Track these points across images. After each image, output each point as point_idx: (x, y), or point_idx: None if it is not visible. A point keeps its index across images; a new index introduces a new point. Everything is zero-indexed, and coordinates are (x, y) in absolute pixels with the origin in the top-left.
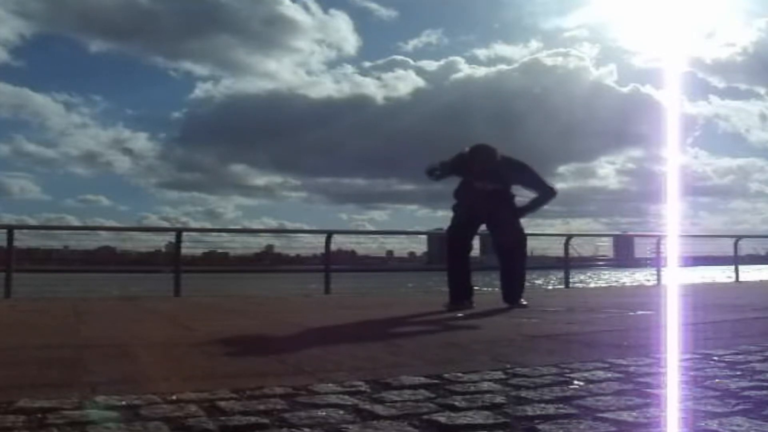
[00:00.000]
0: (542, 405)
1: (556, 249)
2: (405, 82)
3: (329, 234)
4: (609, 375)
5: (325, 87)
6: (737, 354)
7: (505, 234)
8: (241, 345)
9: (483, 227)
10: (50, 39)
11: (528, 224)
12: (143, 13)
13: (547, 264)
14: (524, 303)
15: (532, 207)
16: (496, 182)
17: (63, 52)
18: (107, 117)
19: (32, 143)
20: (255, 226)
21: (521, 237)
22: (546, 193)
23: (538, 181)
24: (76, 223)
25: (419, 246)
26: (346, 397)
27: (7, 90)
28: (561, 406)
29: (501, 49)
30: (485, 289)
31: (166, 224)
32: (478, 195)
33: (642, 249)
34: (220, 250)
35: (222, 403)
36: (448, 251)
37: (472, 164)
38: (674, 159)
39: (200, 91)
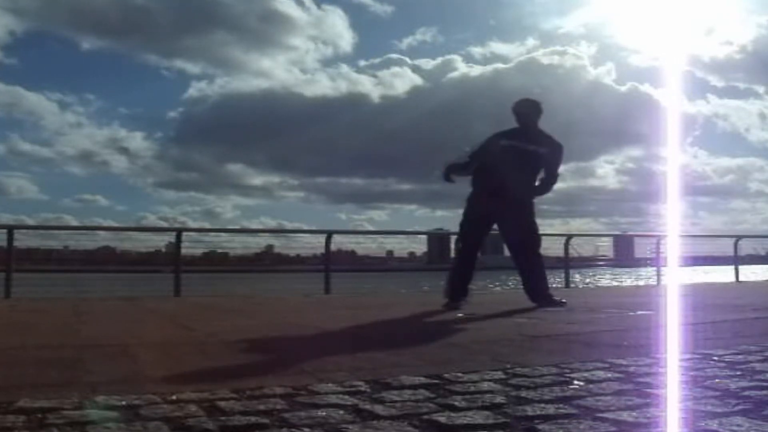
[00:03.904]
0: (542, 405)
1: (556, 249)
2: (401, 80)
3: (329, 234)
4: (609, 375)
5: (321, 85)
6: (737, 354)
7: (515, 234)
8: (241, 345)
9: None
10: (42, 36)
11: None
12: (136, 10)
13: (547, 264)
14: (559, 300)
15: (540, 191)
16: (546, 146)
17: (55, 50)
18: (102, 116)
19: (27, 142)
20: (253, 225)
21: (533, 238)
22: (549, 185)
23: (556, 168)
24: (74, 222)
25: (419, 246)
26: (346, 397)
27: None
28: (561, 406)
29: (497, 47)
30: (492, 284)
31: (164, 224)
32: (522, 157)
33: (642, 249)
34: (219, 250)
35: (222, 403)
36: (460, 248)
37: (527, 118)
38: (674, 158)
39: (195, 90)
